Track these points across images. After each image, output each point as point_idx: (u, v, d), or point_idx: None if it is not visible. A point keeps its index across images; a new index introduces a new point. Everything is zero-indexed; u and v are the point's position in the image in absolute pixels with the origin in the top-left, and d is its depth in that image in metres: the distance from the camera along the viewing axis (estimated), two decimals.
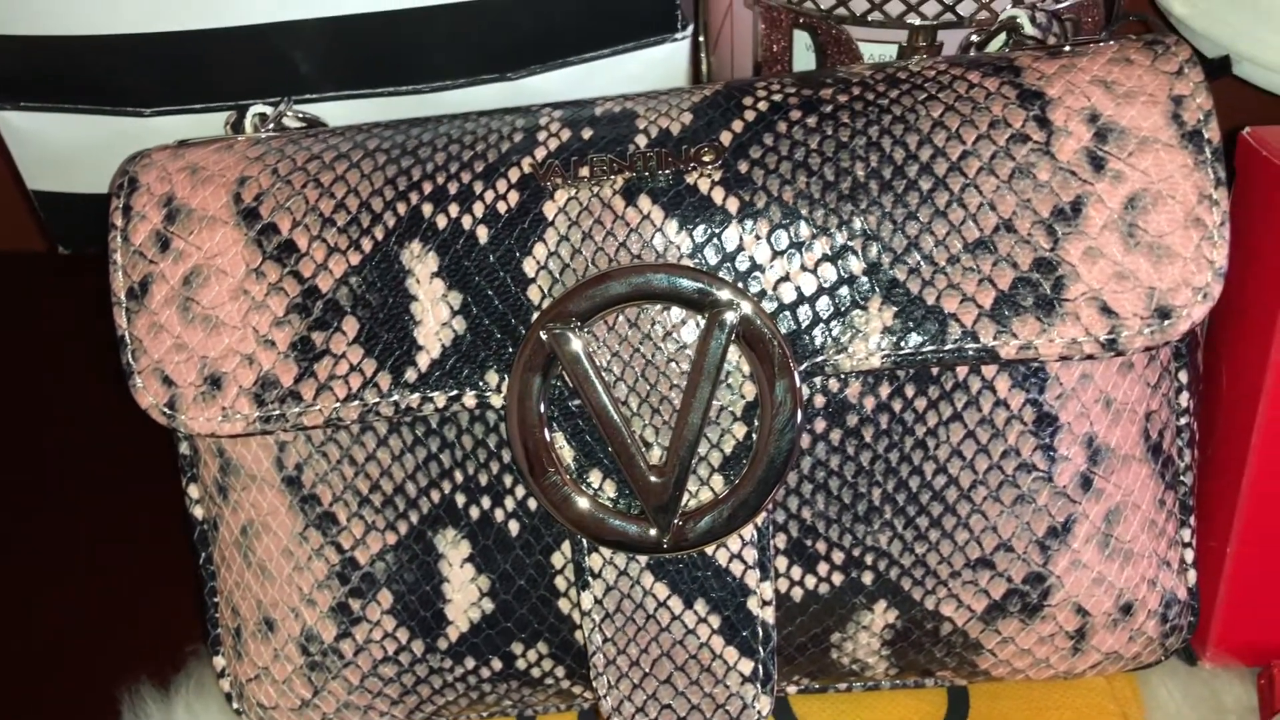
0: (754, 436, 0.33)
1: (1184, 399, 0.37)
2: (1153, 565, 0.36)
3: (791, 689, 0.39)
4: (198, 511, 0.39)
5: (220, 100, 0.42)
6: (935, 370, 0.34)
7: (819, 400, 0.34)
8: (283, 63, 0.42)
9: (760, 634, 0.34)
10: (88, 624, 0.48)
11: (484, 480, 0.36)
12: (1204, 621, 0.41)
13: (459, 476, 0.36)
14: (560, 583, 0.36)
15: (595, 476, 0.34)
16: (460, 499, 0.36)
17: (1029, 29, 0.37)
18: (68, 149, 0.44)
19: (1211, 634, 0.41)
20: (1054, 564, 0.35)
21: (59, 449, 0.54)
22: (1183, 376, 0.37)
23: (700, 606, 0.34)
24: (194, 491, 0.39)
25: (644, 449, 0.34)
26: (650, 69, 0.43)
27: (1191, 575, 0.38)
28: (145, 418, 0.36)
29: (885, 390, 0.34)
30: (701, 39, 0.49)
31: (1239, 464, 0.39)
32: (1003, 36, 0.38)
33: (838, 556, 0.35)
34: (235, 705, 0.40)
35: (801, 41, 0.44)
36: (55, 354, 0.57)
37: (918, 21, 0.41)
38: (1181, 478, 0.37)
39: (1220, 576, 0.40)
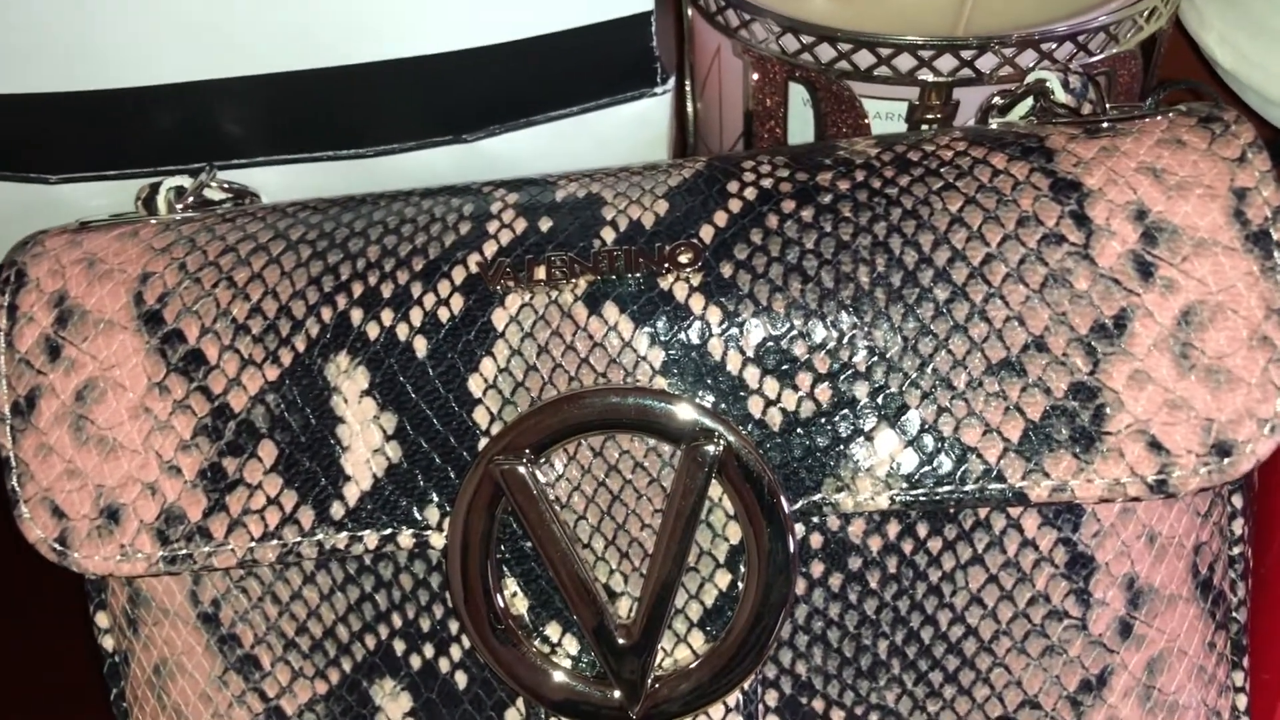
0: (739, 585, 0.29)
1: (1238, 525, 0.32)
2: (1200, 717, 0.32)
3: None
4: (107, 643, 0.34)
5: (137, 166, 0.37)
6: (952, 508, 0.29)
7: (816, 540, 0.29)
8: (210, 124, 0.37)
9: None
10: None
11: (425, 625, 0.31)
12: None
13: (397, 620, 0.31)
14: None
15: (553, 630, 0.29)
16: (399, 645, 0.31)
17: (1060, 95, 0.32)
18: None
19: None
20: None
21: None
22: (1236, 501, 0.32)
23: None
24: (102, 620, 0.34)
25: (610, 602, 0.29)
26: (625, 129, 0.38)
27: None
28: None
29: (893, 529, 0.29)
30: (687, 84, 0.44)
31: None
32: (1029, 100, 0.33)
33: (837, 716, 0.30)
34: None
35: (798, 96, 0.39)
36: None
37: (931, 78, 0.36)
38: (1234, 614, 0.32)
39: (1274, 714, 0.35)
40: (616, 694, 0.29)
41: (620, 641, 0.28)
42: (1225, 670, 0.32)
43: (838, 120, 0.38)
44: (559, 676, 0.29)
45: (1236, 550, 0.32)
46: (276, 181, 0.38)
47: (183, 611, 0.32)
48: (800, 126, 0.39)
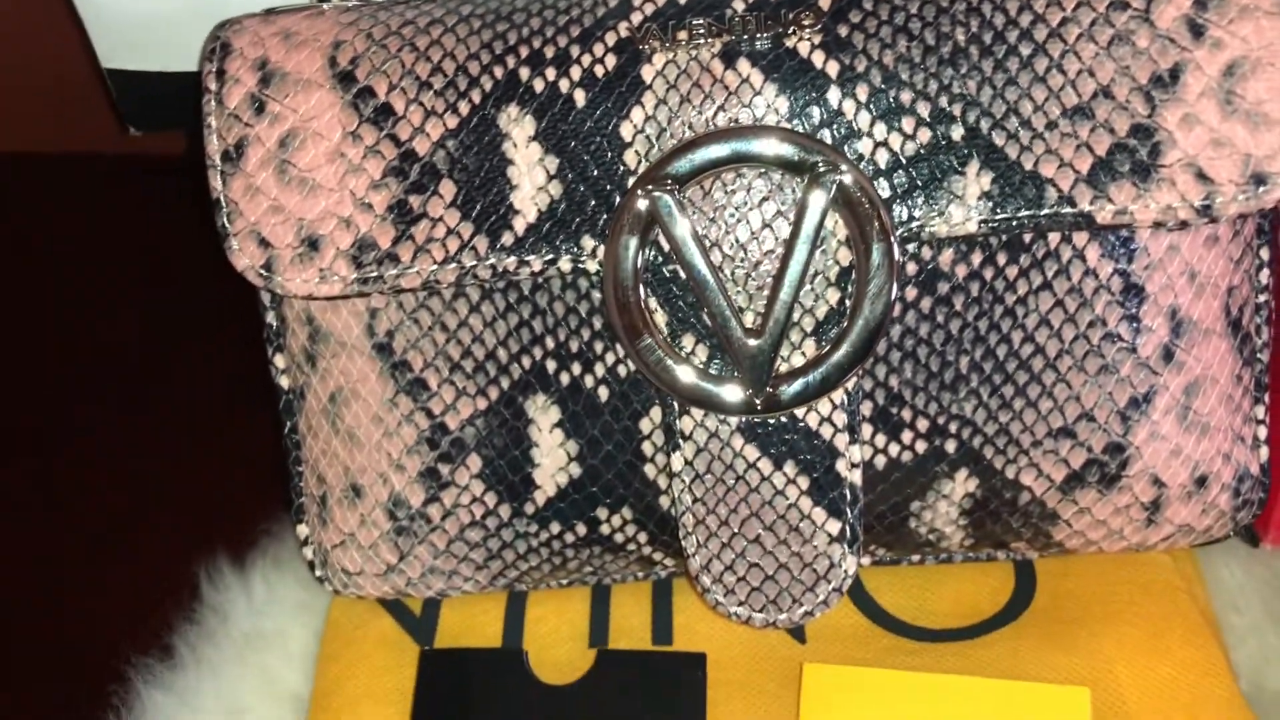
0: (847, 302, 0.34)
1: (1265, 276, 0.37)
2: (1228, 440, 0.37)
3: (866, 560, 0.40)
4: (284, 381, 0.40)
5: None
6: (1028, 237, 0.34)
7: (911, 268, 0.35)
8: None
9: (848, 495, 0.35)
10: (163, 504, 0.49)
11: (575, 347, 0.36)
12: (1268, 504, 0.42)
13: (550, 343, 0.36)
14: (647, 448, 0.37)
15: (688, 341, 0.35)
16: (551, 365, 0.36)
17: None
18: (144, 24, 0.43)
19: (1275, 516, 0.42)
20: (1134, 435, 0.36)
21: (127, 334, 0.55)
22: (1264, 254, 0.37)
23: (789, 468, 0.35)
24: (280, 361, 0.40)
25: (739, 313, 0.34)
26: None
27: (1264, 451, 0.38)
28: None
29: (977, 258, 0.35)
30: None
31: None
32: None
33: (922, 424, 0.36)
34: (319, 572, 0.41)
35: None
36: (123, 237, 0.58)
37: None
38: (1258, 355, 0.38)
39: None
40: (740, 390, 0.34)
41: (748, 343, 0.34)
42: (1250, 403, 0.38)
43: None
44: (693, 376, 0.34)
45: (1263, 298, 0.37)
46: None
47: (359, 343, 0.37)
48: None
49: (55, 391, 0.53)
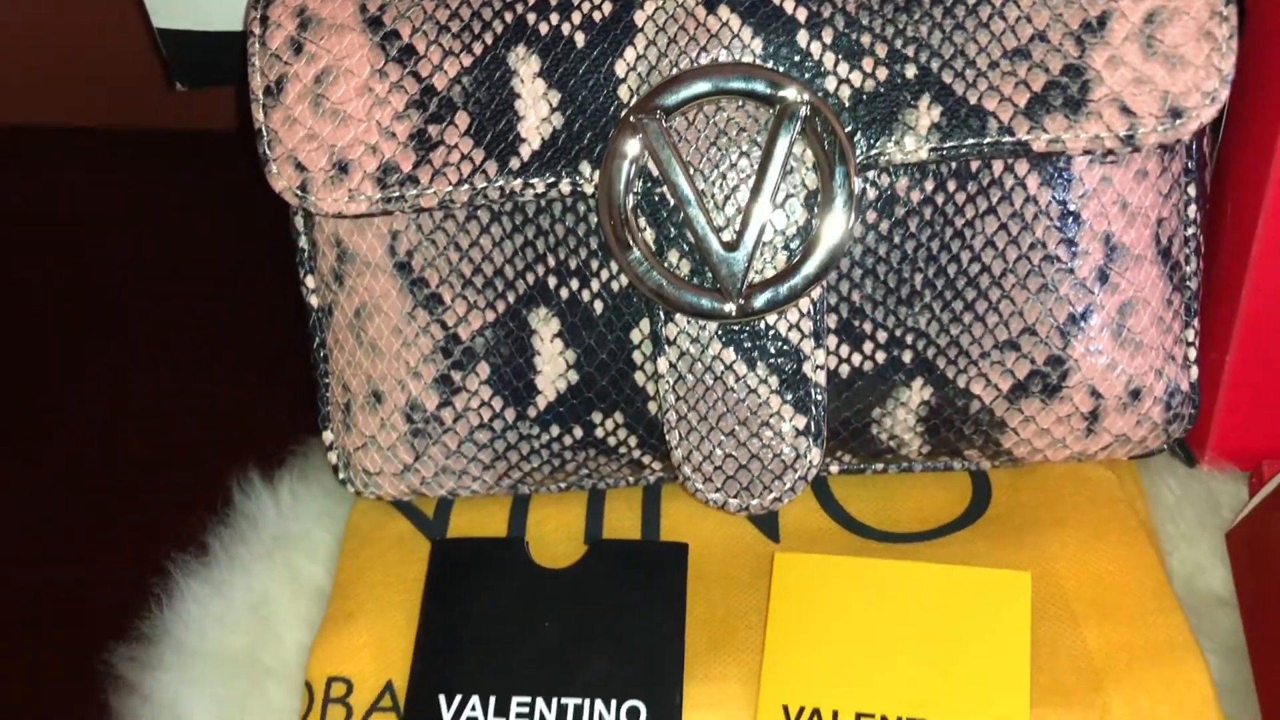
0: (814, 222, 0.38)
1: (1191, 211, 0.41)
2: (1159, 357, 0.41)
3: (834, 468, 0.44)
4: (313, 300, 0.44)
5: None
6: (974, 166, 0.39)
7: (871, 193, 0.39)
8: None
9: (813, 394, 0.39)
10: (202, 426, 0.54)
11: (573, 264, 0.41)
12: (1203, 427, 0.46)
13: (551, 261, 0.41)
14: (637, 357, 0.41)
15: (673, 256, 0.39)
16: (552, 281, 0.41)
17: None
18: None
19: (1210, 438, 0.46)
20: (1072, 349, 0.40)
21: (174, 279, 0.60)
22: (1191, 191, 0.41)
23: (762, 369, 0.39)
24: (310, 282, 0.44)
25: (717, 230, 0.39)
26: None
27: (1194, 371, 0.42)
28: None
29: (930, 185, 0.39)
30: None
31: (1239, 280, 0.43)
32: None
33: (881, 336, 0.40)
34: (342, 475, 0.45)
35: None
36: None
37: None
38: (1187, 282, 0.42)
39: (1219, 385, 0.45)
40: (719, 298, 0.38)
41: (725, 255, 0.38)
42: (1180, 325, 0.42)
43: None
44: (677, 285, 0.39)
45: (1190, 231, 0.42)
46: None
47: (382, 262, 0.42)
48: None
49: (110, 321, 0.59)
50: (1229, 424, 0.46)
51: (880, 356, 0.41)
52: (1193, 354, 0.42)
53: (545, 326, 0.41)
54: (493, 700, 0.39)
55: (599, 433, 0.42)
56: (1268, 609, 0.40)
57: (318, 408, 0.46)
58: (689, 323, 0.39)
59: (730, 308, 0.38)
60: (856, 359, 0.41)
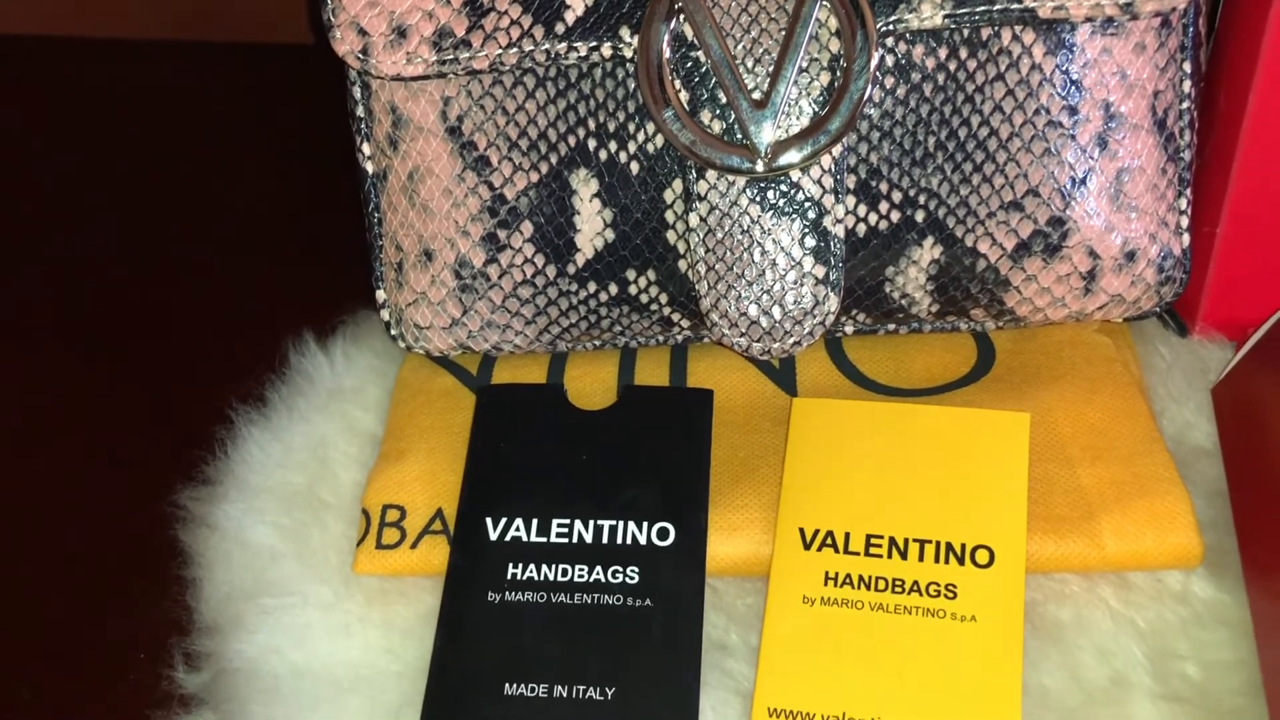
0: (837, 84, 0.42)
1: (1186, 86, 0.45)
2: (1153, 222, 0.45)
3: (849, 328, 0.48)
4: (369, 166, 0.48)
5: None
6: (984, 35, 0.42)
7: (889, 61, 0.42)
8: None
9: (832, 246, 0.43)
10: (263, 297, 0.58)
11: (612, 127, 0.44)
12: (1195, 298, 0.49)
13: (591, 124, 0.44)
14: (669, 216, 0.44)
15: (705, 115, 0.42)
16: (592, 143, 0.44)
17: None
18: None
19: (1201, 309, 0.49)
20: (1073, 210, 0.43)
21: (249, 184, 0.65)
22: (1187, 67, 0.44)
23: (786, 222, 0.43)
24: (367, 149, 0.48)
25: (748, 91, 0.42)
26: None
27: (1186, 238, 0.46)
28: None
29: (943, 52, 0.42)
30: None
31: (1230, 156, 0.47)
32: None
33: (896, 196, 0.44)
34: (393, 330, 0.49)
35: None
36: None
37: None
38: (1181, 154, 0.45)
39: (1210, 257, 0.48)
40: (747, 154, 0.42)
41: (754, 113, 0.41)
42: (1173, 194, 0.45)
43: None
44: (708, 141, 0.42)
45: (1185, 105, 0.45)
46: None
47: (434, 127, 0.45)
48: None
49: (178, 204, 0.63)
50: (1219, 295, 0.49)
51: (895, 216, 0.44)
52: (1185, 222, 0.46)
53: (585, 187, 0.45)
54: (535, 521, 0.43)
55: (632, 290, 0.46)
56: (1246, 454, 0.44)
57: (372, 268, 0.49)
58: (719, 179, 0.43)
59: (758, 163, 0.42)
60: (873, 218, 0.44)
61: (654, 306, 0.46)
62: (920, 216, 0.44)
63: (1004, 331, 0.49)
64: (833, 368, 0.49)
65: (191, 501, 0.48)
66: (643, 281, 0.46)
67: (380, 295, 0.49)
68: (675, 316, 0.47)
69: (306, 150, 0.66)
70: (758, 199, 0.43)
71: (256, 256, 0.61)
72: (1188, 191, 0.46)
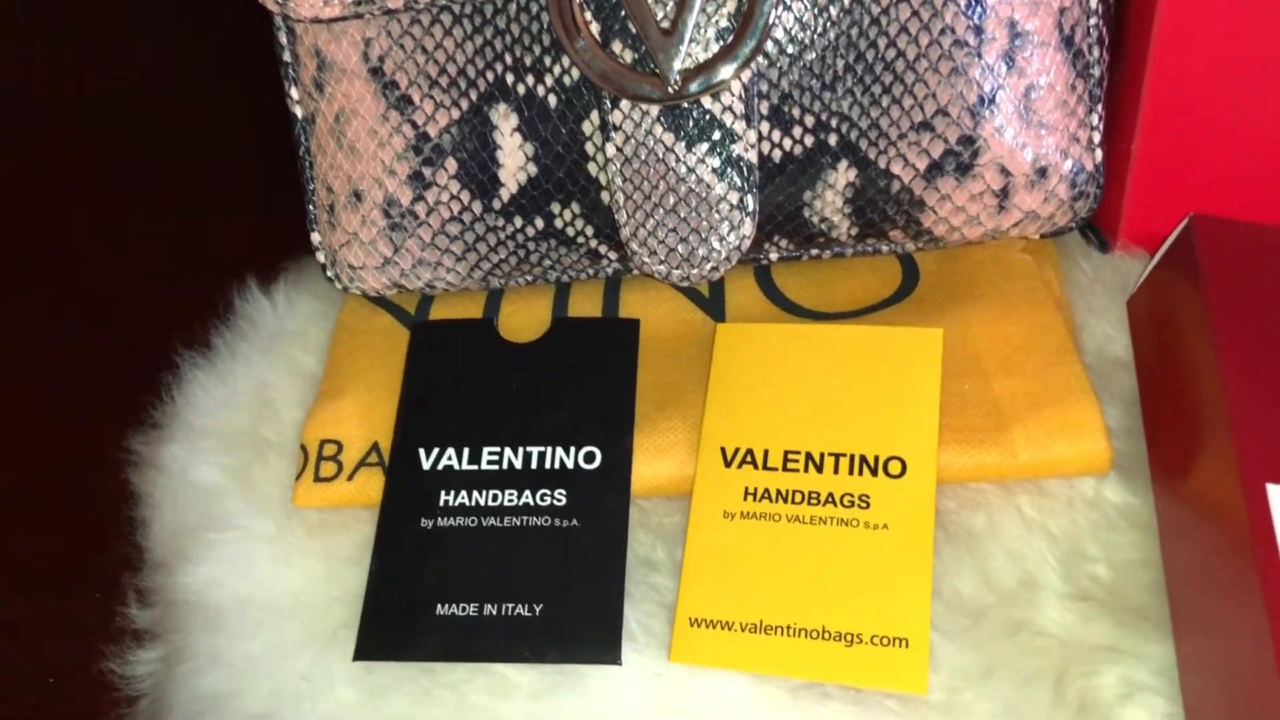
0: (744, 9, 0.42)
1: (1094, 2, 0.45)
2: (1064, 138, 0.45)
3: (774, 255, 0.49)
4: (298, 110, 0.49)
5: None
6: None
7: None
8: None
9: (746, 171, 0.44)
10: (203, 245, 0.59)
11: (528, 61, 0.45)
12: (1114, 213, 0.50)
13: (509, 59, 0.45)
14: (589, 148, 0.45)
15: (617, 45, 0.43)
16: (510, 78, 0.45)
17: None
18: None
19: (1121, 224, 0.50)
20: (982, 129, 0.44)
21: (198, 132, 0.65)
22: None
23: (699, 149, 0.43)
24: (294, 93, 0.49)
25: (656, 21, 0.43)
26: None
27: (1098, 154, 0.46)
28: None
29: None
30: None
31: (1141, 69, 0.47)
32: None
33: (809, 120, 0.44)
34: (329, 272, 0.50)
35: None
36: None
37: None
38: (1091, 70, 0.46)
39: (1127, 173, 0.49)
40: (658, 81, 0.43)
41: (662, 40, 0.42)
42: (1084, 110, 0.46)
43: None
44: (620, 69, 0.43)
45: (1093, 21, 0.45)
46: None
47: (357, 69, 0.46)
48: None
49: (123, 156, 0.64)
50: (1138, 210, 0.50)
51: (809, 140, 0.45)
52: (1097, 137, 0.46)
53: (505, 121, 0.46)
54: (466, 450, 0.44)
55: (558, 223, 0.47)
56: (1155, 363, 0.45)
57: (306, 211, 0.50)
58: (633, 108, 0.44)
59: (668, 90, 0.43)
60: (787, 143, 0.45)
61: (580, 239, 0.47)
62: (833, 140, 0.45)
63: (927, 254, 0.50)
64: (760, 295, 0.50)
65: (141, 445, 0.50)
66: (568, 215, 0.47)
67: (315, 238, 0.50)
68: (602, 249, 0.48)
69: (251, 97, 0.67)
70: (671, 127, 0.43)
71: (202, 206, 0.62)
72: (1099, 107, 0.46)
